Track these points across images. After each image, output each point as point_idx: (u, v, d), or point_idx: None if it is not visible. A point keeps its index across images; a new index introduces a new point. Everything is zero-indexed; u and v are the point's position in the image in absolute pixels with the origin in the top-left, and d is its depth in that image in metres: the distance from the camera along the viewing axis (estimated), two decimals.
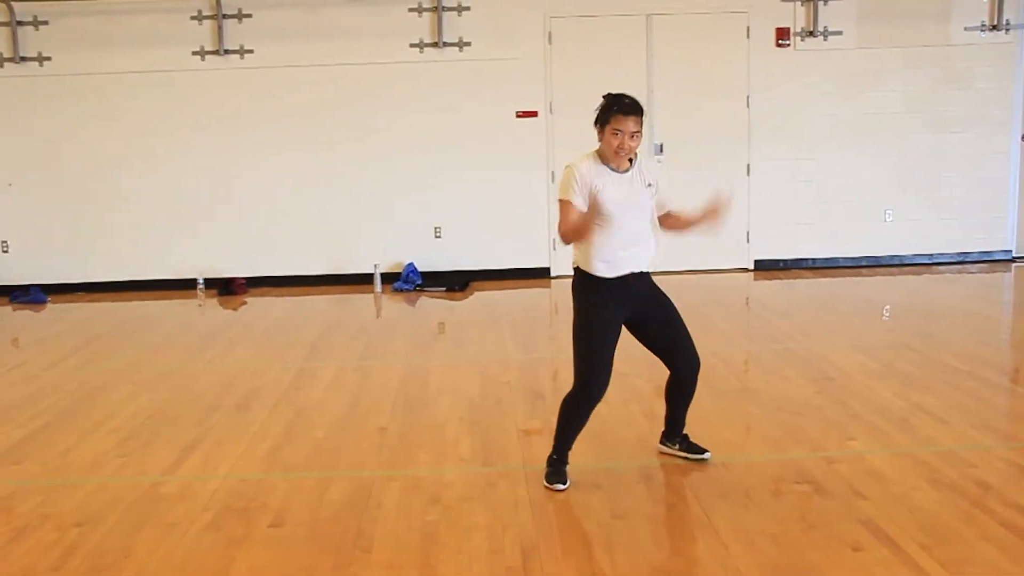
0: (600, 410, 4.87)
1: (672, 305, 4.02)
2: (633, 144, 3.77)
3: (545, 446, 4.23)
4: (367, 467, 4.26)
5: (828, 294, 8.37)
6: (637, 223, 3.89)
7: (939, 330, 6.71)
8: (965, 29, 9.25)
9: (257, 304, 8.54)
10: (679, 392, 4.13)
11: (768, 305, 8.04)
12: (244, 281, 9.05)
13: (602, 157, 3.85)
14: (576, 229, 3.78)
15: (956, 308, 7.68)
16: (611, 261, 3.85)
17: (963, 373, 5.55)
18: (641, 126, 3.80)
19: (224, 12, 8.95)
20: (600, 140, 3.83)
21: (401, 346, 6.75)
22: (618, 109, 3.76)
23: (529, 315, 8.01)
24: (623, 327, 3.94)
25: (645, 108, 3.86)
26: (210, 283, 9.03)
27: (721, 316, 7.62)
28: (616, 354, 3.87)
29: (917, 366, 5.67)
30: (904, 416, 4.72)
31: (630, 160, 3.89)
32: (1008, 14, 9.21)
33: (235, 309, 8.42)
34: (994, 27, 9.24)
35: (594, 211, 3.74)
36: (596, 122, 3.82)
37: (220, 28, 8.96)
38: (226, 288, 8.90)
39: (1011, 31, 9.25)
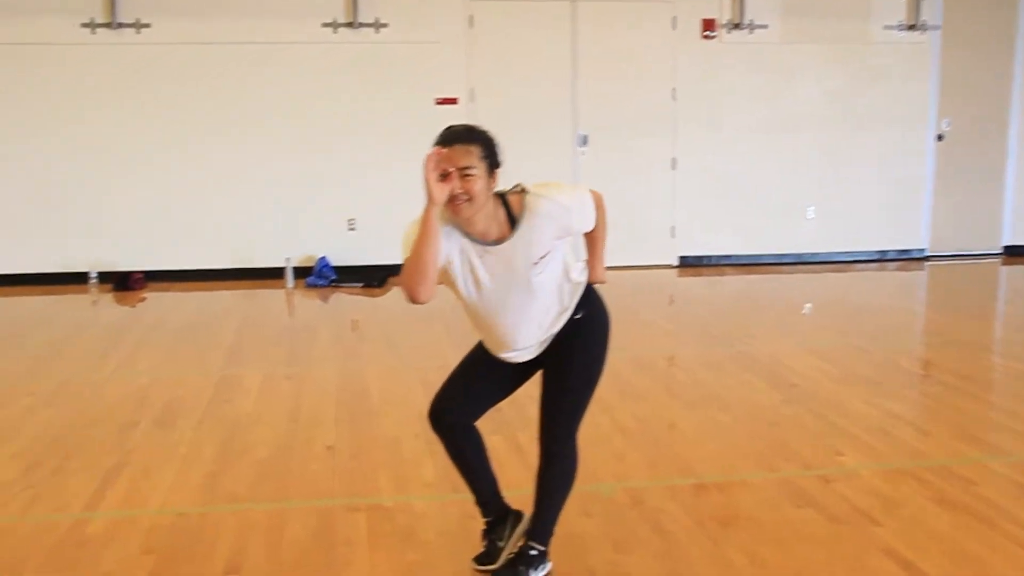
0: None
1: (576, 368, 2.91)
2: (470, 187, 2.61)
3: (515, 464, 3.85)
4: (323, 495, 3.77)
5: (759, 292, 8.24)
6: (515, 314, 2.81)
7: (881, 331, 6.61)
8: (884, 27, 9.26)
9: (158, 301, 7.84)
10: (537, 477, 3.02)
11: (703, 303, 7.83)
12: (142, 275, 8.30)
13: (455, 222, 2.73)
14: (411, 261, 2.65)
15: (887, 307, 7.64)
16: (491, 347, 2.96)
17: (921, 377, 5.43)
18: (483, 159, 2.64)
19: None
20: None
21: (328, 349, 6.23)
22: (438, 140, 2.65)
23: (459, 313, 7.55)
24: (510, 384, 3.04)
25: (484, 137, 2.71)
26: (104, 277, 8.25)
27: (659, 315, 7.39)
28: None
29: (875, 369, 5.51)
30: (883, 426, 4.52)
31: (510, 219, 2.71)
32: (925, 15, 9.26)
33: (133, 306, 7.70)
34: (911, 27, 9.27)
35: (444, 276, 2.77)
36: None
37: None
38: (122, 283, 8.14)
39: (927, 31, 9.31)
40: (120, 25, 8.23)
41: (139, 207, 8.46)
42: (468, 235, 2.73)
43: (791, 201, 9.34)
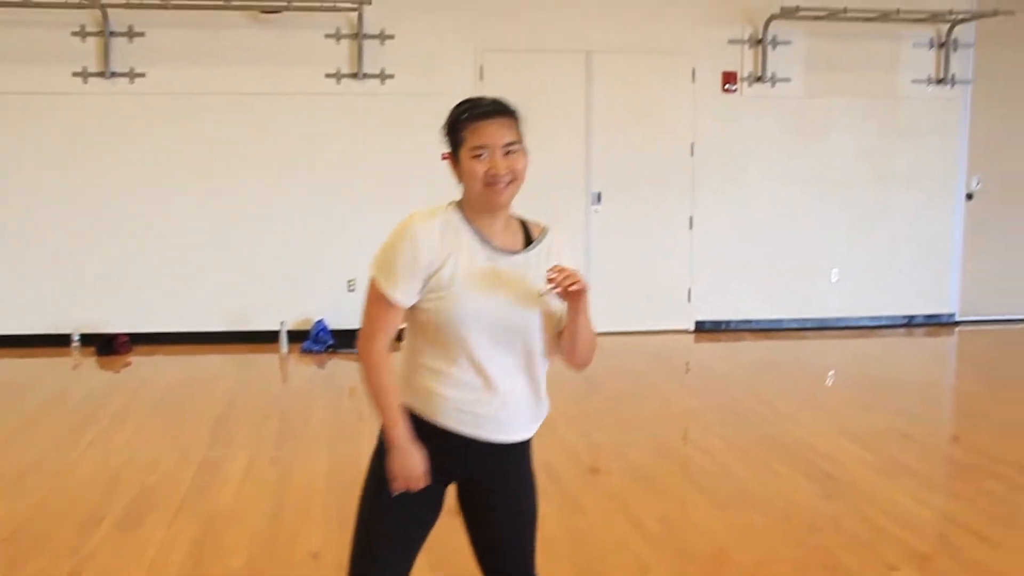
0: (579, 524, 4.08)
1: (531, 492, 2.38)
2: (515, 164, 2.17)
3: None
4: None
5: (781, 360, 7.76)
6: (511, 357, 2.22)
7: (917, 408, 6.11)
8: (912, 81, 8.87)
9: (143, 366, 7.38)
10: None
11: (723, 374, 7.33)
12: (127, 338, 7.83)
13: (468, 208, 2.24)
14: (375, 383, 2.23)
15: (920, 379, 7.16)
16: (453, 404, 2.21)
17: (975, 469, 4.92)
18: (520, 136, 2.20)
19: (112, 29, 7.82)
20: (459, 178, 2.22)
21: (321, 427, 5.74)
22: (472, 114, 2.17)
23: None
24: (440, 503, 2.32)
25: (519, 118, 2.22)
26: (87, 339, 7.79)
27: (676, 387, 6.91)
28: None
29: (920, 459, 5.01)
30: (940, 532, 4.03)
31: (525, 229, 2.29)
32: (954, 68, 8.87)
33: (117, 371, 7.25)
34: (940, 81, 8.88)
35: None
36: (450, 149, 2.23)
37: (107, 47, 7.82)
38: (106, 346, 7.67)
39: (956, 86, 8.91)
40: (114, 74, 7.87)
41: (126, 265, 8.02)
42: (480, 235, 2.20)
43: (814, 263, 8.88)
